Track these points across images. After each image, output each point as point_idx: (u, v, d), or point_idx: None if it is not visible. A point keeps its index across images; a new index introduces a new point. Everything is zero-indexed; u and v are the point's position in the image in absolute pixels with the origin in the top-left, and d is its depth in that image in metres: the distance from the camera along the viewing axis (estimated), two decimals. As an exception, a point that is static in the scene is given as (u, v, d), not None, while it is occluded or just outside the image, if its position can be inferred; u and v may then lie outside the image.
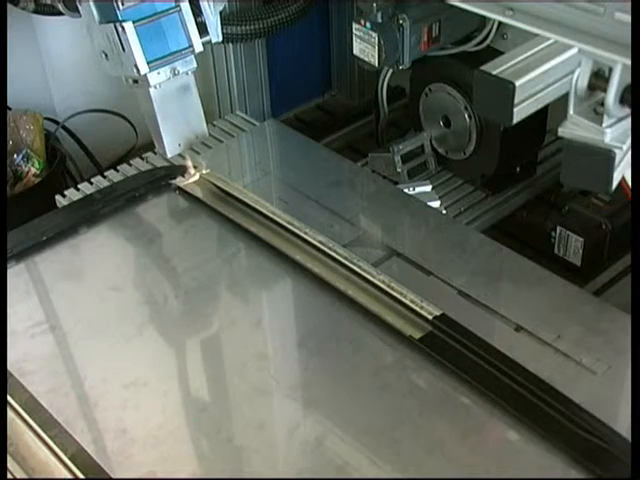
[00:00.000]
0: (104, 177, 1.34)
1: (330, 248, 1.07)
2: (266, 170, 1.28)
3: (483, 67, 1.04)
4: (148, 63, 1.14)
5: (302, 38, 1.60)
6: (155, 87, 1.18)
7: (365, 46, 1.22)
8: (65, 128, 1.66)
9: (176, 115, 1.22)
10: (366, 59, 1.24)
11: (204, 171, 1.23)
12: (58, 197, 1.30)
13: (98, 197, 1.20)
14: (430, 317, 0.97)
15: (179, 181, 1.22)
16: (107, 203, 1.18)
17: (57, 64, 1.68)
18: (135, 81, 1.18)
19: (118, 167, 1.36)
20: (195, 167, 1.23)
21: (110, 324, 1.01)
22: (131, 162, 1.37)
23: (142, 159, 1.37)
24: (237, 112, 1.52)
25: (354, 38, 1.23)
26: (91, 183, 1.33)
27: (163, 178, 1.23)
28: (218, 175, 1.22)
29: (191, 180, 1.22)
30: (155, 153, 1.37)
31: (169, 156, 1.23)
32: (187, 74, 1.21)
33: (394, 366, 0.95)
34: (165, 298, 1.06)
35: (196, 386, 0.95)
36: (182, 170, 1.23)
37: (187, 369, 0.98)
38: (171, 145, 1.24)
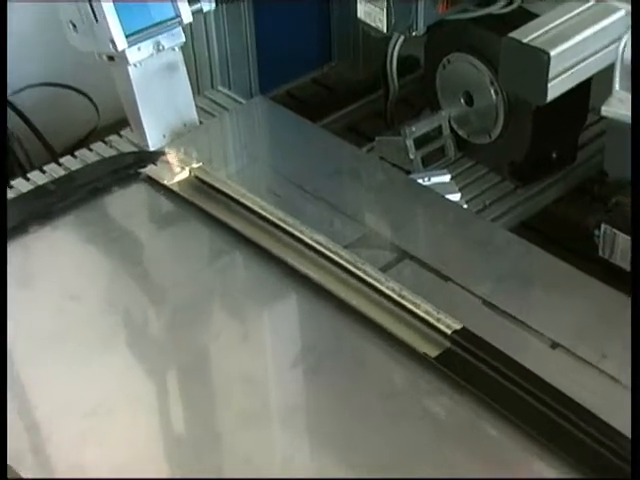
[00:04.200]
0: (59, 164, 1.34)
1: (330, 250, 1.08)
2: (254, 157, 1.29)
3: (512, 34, 1.05)
4: (127, 37, 1.14)
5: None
6: (135, 65, 1.18)
7: (371, 8, 1.23)
8: (11, 104, 1.66)
9: (160, 99, 1.23)
10: (372, 24, 1.24)
11: (194, 165, 1.23)
12: (3, 188, 1.30)
13: (52, 188, 1.21)
14: (448, 332, 0.97)
15: (164, 179, 1.22)
16: (63, 196, 1.19)
17: (2, 28, 1.68)
18: (111, 58, 1.18)
19: (76, 152, 1.37)
20: (183, 161, 1.23)
21: (68, 340, 1.02)
22: (92, 147, 1.37)
23: (105, 143, 1.37)
24: (219, 87, 1.52)
25: (358, -1, 1.24)
26: (43, 171, 1.33)
27: (131, 166, 1.24)
28: (207, 169, 1.22)
29: (178, 178, 1.22)
30: (120, 136, 1.38)
31: (152, 149, 1.23)
32: (173, 50, 1.21)
33: (406, 389, 0.96)
34: (134, 308, 1.07)
35: (171, 414, 0.96)
36: (154, 157, 1.24)
37: (160, 393, 0.99)
38: (154, 135, 1.25)
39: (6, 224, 1.11)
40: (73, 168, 1.31)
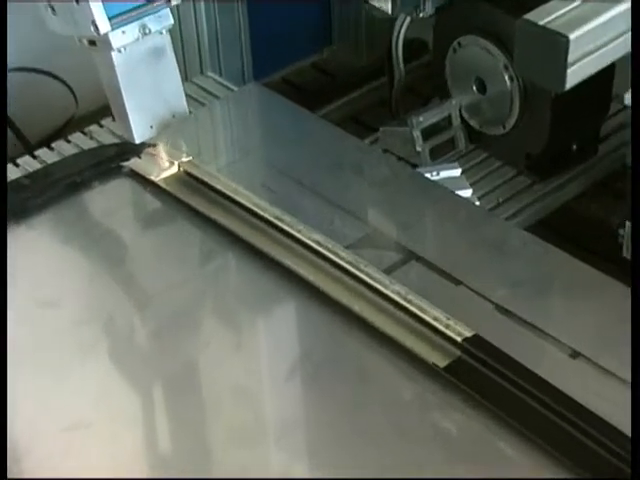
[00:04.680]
0: (34, 157, 1.35)
1: (330, 250, 1.09)
2: (247, 149, 1.30)
3: (528, 15, 1.06)
4: (110, 19, 1.14)
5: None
6: (119, 51, 1.19)
7: (375, -13, 1.24)
8: (-19, 92, 1.66)
9: (147, 87, 1.23)
10: (377, 4, 1.25)
11: (183, 159, 1.23)
12: (-27, 184, 1.31)
13: (27, 183, 1.21)
14: (459, 339, 0.98)
15: (149, 173, 1.22)
16: (39, 191, 1.19)
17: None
18: (92, 42, 1.18)
19: (52, 144, 1.38)
20: (170, 154, 1.24)
21: (45, 349, 1.02)
22: (69, 138, 1.38)
23: (84, 134, 1.38)
24: (208, 73, 1.53)
25: (361, -23, 1.25)
26: (17, 165, 1.34)
27: (113, 159, 1.24)
28: (197, 163, 1.23)
29: (165, 173, 1.22)
30: (101, 126, 1.38)
31: (137, 142, 1.24)
32: (161, 34, 1.22)
33: (412, 402, 0.96)
34: (116, 315, 1.07)
35: (157, 429, 0.97)
36: (138, 149, 1.24)
37: (146, 406, 0.99)
38: (140, 127, 1.25)
39: (6, 222, 1.12)
40: (49, 161, 1.32)
